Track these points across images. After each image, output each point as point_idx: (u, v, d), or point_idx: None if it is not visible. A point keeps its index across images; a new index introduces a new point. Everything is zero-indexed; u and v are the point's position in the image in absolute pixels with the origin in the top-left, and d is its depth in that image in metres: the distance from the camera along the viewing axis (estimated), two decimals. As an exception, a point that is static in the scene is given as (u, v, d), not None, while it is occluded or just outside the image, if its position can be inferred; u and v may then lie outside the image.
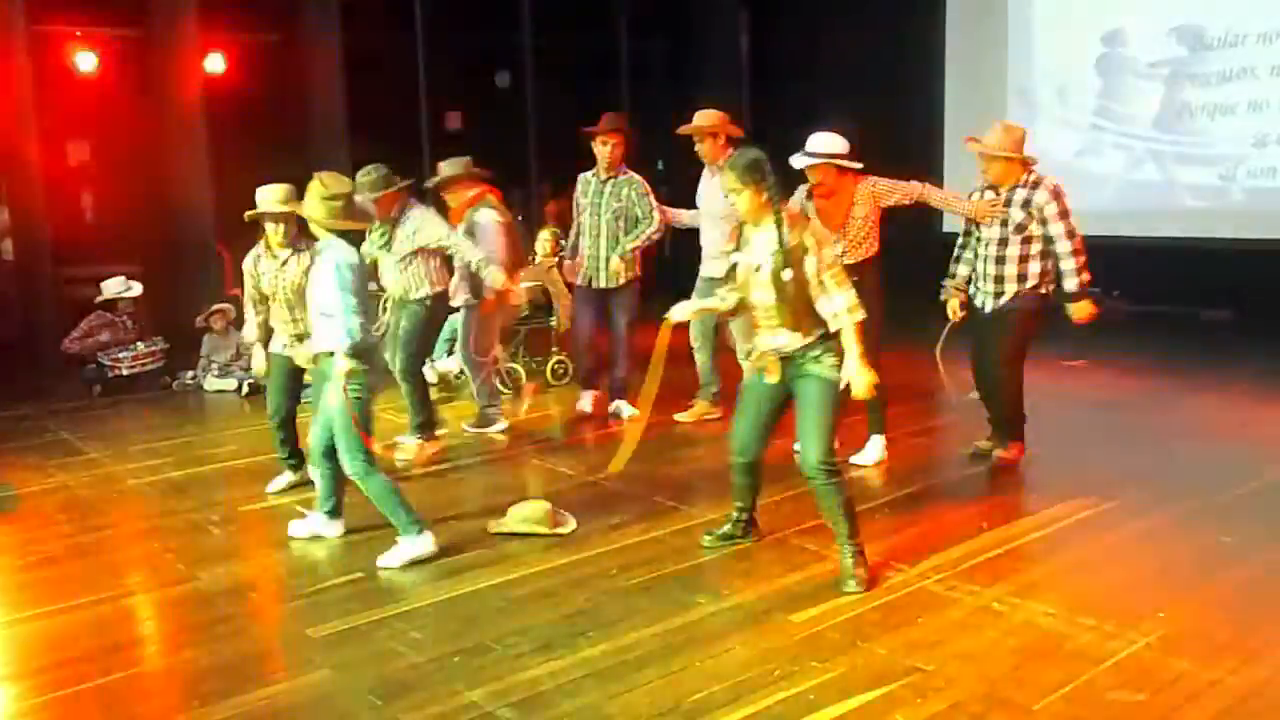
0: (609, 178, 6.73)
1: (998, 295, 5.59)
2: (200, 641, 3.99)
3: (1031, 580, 4.27)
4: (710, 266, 6.39)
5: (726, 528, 4.76)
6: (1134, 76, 10.33)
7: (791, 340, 4.20)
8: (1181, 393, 7.29)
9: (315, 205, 4.67)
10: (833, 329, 4.14)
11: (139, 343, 8.81)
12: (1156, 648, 3.64)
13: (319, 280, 4.68)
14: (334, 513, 5.05)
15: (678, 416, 6.92)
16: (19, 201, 9.06)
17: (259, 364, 5.82)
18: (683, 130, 6.40)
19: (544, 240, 8.75)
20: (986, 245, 5.65)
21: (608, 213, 6.70)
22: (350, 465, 4.67)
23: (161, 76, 9.69)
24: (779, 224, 4.10)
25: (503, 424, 6.93)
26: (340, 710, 3.43)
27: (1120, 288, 10.41)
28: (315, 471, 5.08)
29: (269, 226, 5.37)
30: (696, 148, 6.41)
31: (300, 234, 5.30)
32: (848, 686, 3.44)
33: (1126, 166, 10.34)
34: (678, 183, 7.40)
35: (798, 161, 5.61)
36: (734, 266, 4.33)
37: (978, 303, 5.74)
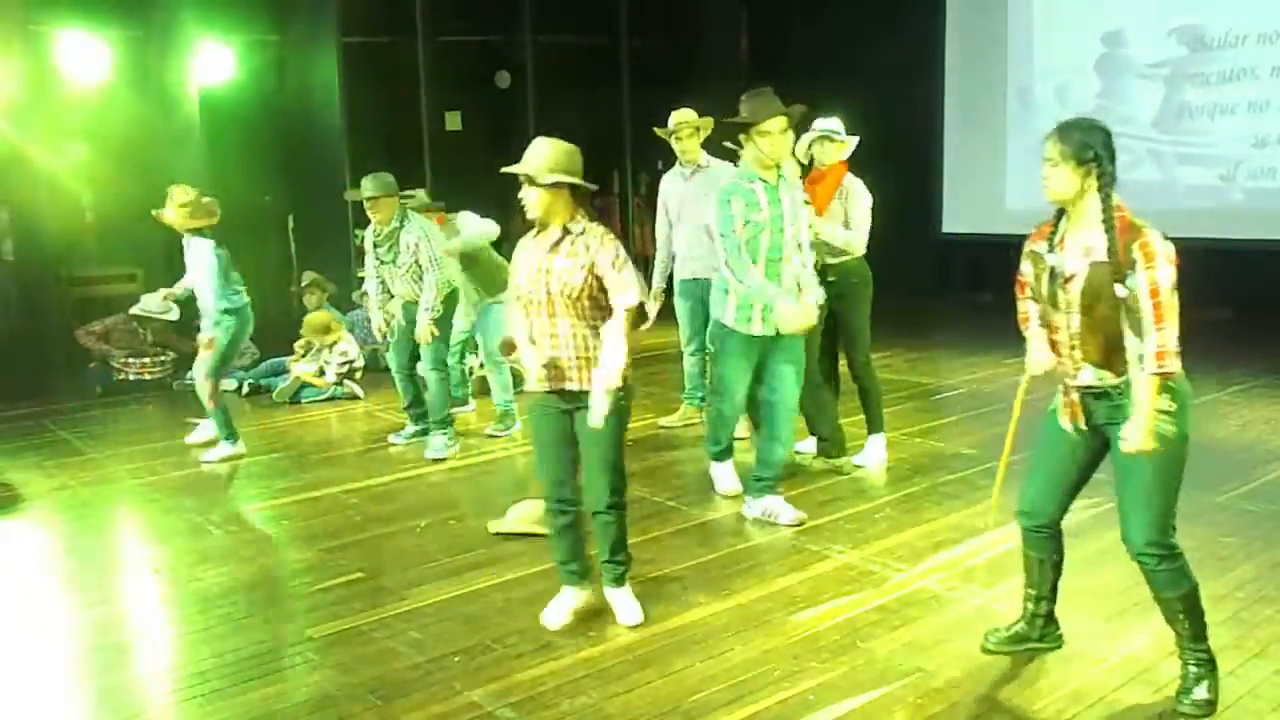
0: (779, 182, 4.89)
1: None
2: (201, 642, 3.99)
3: (1031, 580, 4.27)
4: (686, 268, 6.34)
5: (1018, 626, 3.63)
6: (1134, 77, 10.33)
7: (1099, 377, 3.24)
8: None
9: (174, 212, 6.37)
10: (1130, 373, 3.14)
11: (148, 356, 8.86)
12: (1156, 648, 3.63)
13: (198, 263, 6.39)
14: (233, 437, 6.58)
15: (662, 422, 6.89)
16: (19, 202, 9.06)
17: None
18: (663, 132, 6.36)
19: None
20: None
21: (794, 224, 4.88)
22: (207, 379, 6.45)
23: (160, 76, 9.69)
24: (1109, 225, 3.13)
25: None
26: (341, 710, 3.43)
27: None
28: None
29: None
30: (676, 146, 6.32)
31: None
32: (848, 686, 3.45)
33: (1126, 166, 10.12)
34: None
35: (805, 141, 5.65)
36: (1038, 267, 3.31)
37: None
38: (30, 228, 9.13)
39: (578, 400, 3.79)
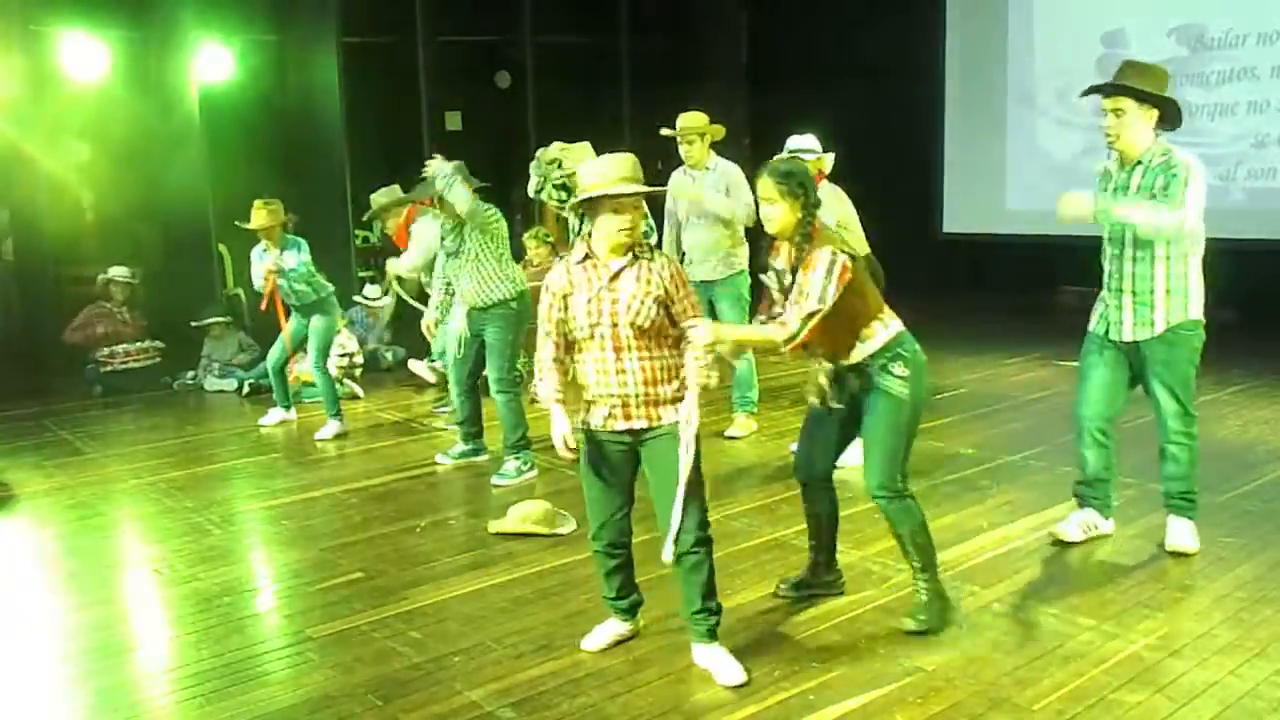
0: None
1: None
2: (200, 642, 3.99)
3: (1031, 580, 4.27)
4: (698, 270, 6.29)
5: (803, 574, 4.19)
6: (1134, 77, 10.32)
7: (836, 360, 3.77)
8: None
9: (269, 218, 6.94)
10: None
11: (136, 341, 8.84)
12: (1157, 648, 3.64)
13: (300, 257, 6.96)
14: (338, 415, 7.17)
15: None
16: (19, 201, 9.06)
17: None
18: (669, 132, 6.36)
19: (533, 245, 8.57)
20: None
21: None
22: (316, 364, 7.14)
23: (160, 76, 9.69)
24: (804, 241, 3.63)
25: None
26: (340, 710, 3.43)
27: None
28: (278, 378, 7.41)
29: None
30: (682, 149, 6.28)
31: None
32: (848, 686, 3.44)
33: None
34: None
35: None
36: (780, 279, 3.78)
37: None
38: (30, 227, 9.14)
39: (645, 435, 3.49)
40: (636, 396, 3.45)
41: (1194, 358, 4.35)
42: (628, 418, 3.48)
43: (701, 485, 3.52)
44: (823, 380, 3.81)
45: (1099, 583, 4.23)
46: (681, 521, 3.43)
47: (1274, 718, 3.20)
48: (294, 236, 7.13)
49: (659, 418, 3.47)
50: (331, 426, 7.12)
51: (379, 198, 7.25)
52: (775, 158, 3.82)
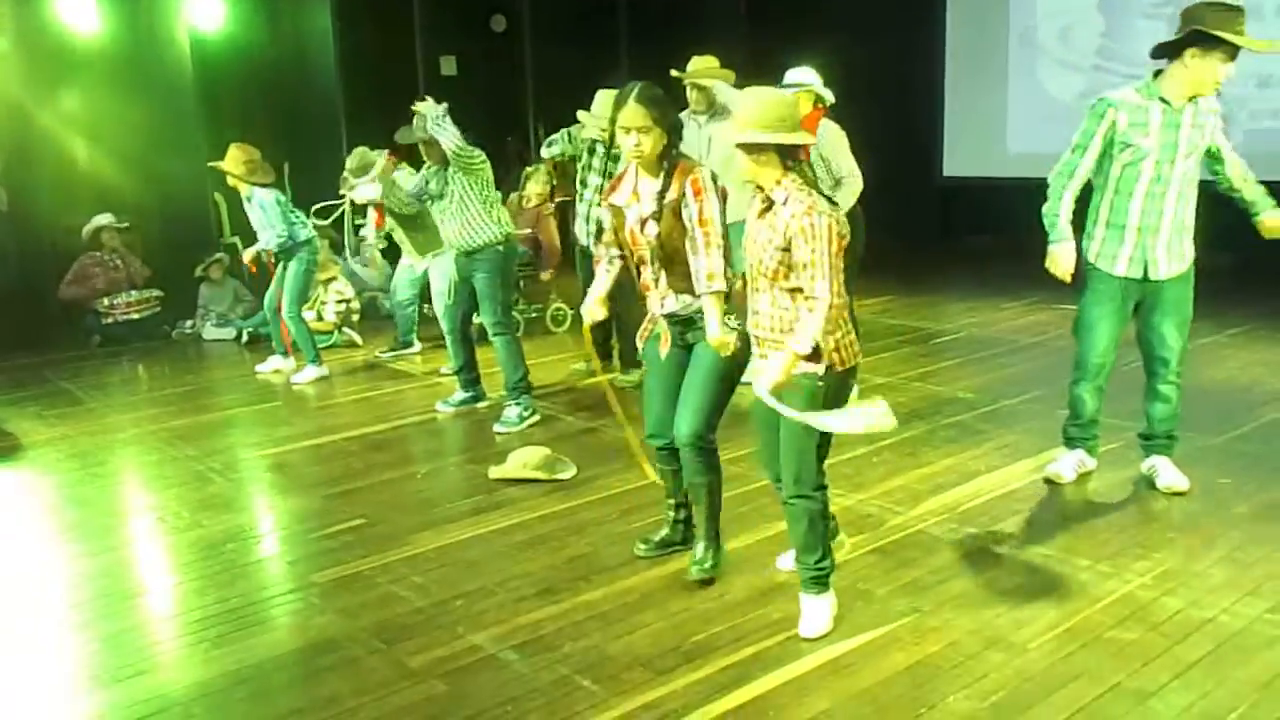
0: None
1: None
2: (205, 589, 4.03)
3: (1028, 522, 4.31)
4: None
5: (664, 532, 4.12)
6: (1137, 16, 10.20)
7: (683, 304, 3.68)
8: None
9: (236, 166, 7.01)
10: (698, 291, 3.56)
11: (133, 290, 8.81)
12: (1152, 587, 3.67)
13: (264, 210, 7.03)
14: (316, 359, 7.25)
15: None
16: (12, 152, 8.99)
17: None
18: (682, 75, 6.23)
19: (535, 184, 8.46)
20: None
21: (1190, 160, 4.49)
22: (289, 311, 7.07)
23: (151, 24, 9.56)
24: (670, 169, 3.58)
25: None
26: (344, 654, 3.47)
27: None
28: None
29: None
30: (690, 94, 6.06)
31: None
32: (847, 628, 3.48)
33: (1129, 108, 10.22)
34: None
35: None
36: (619, 218, 3.74)
37: None
38: (25, 178, 9.07)
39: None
40: (761, 339, 3.41)
41: None
42: (763, 356, 3.42)
43: (804, 440, 3.35)
44: (664, 326, 3.77)
45: (1095, 524, 4.26)
46: (782, 468, 3.43)
47: (1267, 654, 3.24)
48: (263, 188, 7.03)
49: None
50: (309, 371, 7.18)
51: (356, 162, 7.30)
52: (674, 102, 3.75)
